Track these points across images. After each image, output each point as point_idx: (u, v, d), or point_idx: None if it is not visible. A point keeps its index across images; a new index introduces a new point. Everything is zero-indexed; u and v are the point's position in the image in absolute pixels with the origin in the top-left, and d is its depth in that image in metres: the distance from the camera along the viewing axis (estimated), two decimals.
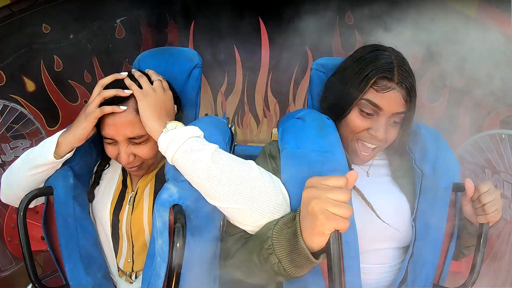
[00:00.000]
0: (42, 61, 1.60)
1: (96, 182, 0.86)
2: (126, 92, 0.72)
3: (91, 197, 0.85)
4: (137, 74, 0.77)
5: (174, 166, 0.69)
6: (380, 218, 0.78)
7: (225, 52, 2.08)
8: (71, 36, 1.68)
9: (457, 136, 1.47)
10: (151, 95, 0.73)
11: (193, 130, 0.69)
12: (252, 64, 2.14)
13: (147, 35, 1.98)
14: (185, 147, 0.66)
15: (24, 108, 1.48)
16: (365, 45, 0.84)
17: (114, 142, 0.76)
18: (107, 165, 0.89)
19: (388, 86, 0.75)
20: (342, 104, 0.80)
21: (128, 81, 0.74)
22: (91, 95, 0.75)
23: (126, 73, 0.77)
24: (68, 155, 0.77)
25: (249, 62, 2.13)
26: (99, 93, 0.73)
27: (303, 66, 2.12)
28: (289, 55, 2.08)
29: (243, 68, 2.16)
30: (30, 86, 1.58)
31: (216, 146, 0.68)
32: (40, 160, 0.75)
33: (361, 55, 0.81)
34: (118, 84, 0.74)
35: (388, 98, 0.75)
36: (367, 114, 0.77)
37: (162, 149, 0.68)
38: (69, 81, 1.72)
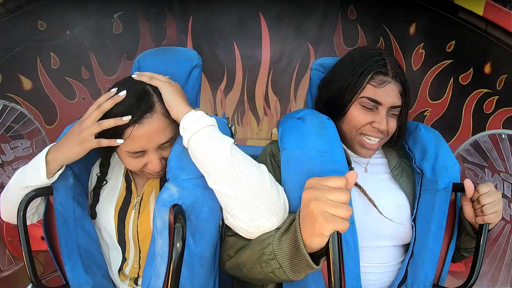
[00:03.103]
0: (38, 58, 1.58)
1: (96, 200, 0.84)
2: (125, 119, 0.69)
3: (93, 215, 0.83)
4: (147, 75, 0.77)
5: (174, 166, 0.69)
6: (381, 214, 0.78)
7: (224, 48, 2.02)
8: (68, 33, 1.65)
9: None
10: (172, 84, 0.75)
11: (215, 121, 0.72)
12: (252, 60, 2.07)
13: (145, 30, 1.93)
14: (209, 130, 0.67)
15: (23, 107, 1.46)
16: (354, 48, 0.88)
17: (142, 153, 0.73)
18: (105, 182, 0.85)
19: (385, 80, 0.79)
20: (341, 102, 0.82)
21: (145, 78, 0.75)
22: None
23: (125, 92, 0.71)
24: (60, 172, 0.75)
25: (249, 59, 2.07)
26: (98, 123, 0.69)
27: (305, 62, 2.06)
28: (290, 51, 2.02)
29: (243, 64, 2.09)
30: (27, 84, 1.55)
31: (233, 140, 0.70)
32: (32, 181, 0.73)
33: (352, 57, 0.84)
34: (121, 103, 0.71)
35: (386, 92, 0.78)
36: (368, 108, 0.80)
37: (185, 125, 0.68)
38: (66, 78, 1.68)
